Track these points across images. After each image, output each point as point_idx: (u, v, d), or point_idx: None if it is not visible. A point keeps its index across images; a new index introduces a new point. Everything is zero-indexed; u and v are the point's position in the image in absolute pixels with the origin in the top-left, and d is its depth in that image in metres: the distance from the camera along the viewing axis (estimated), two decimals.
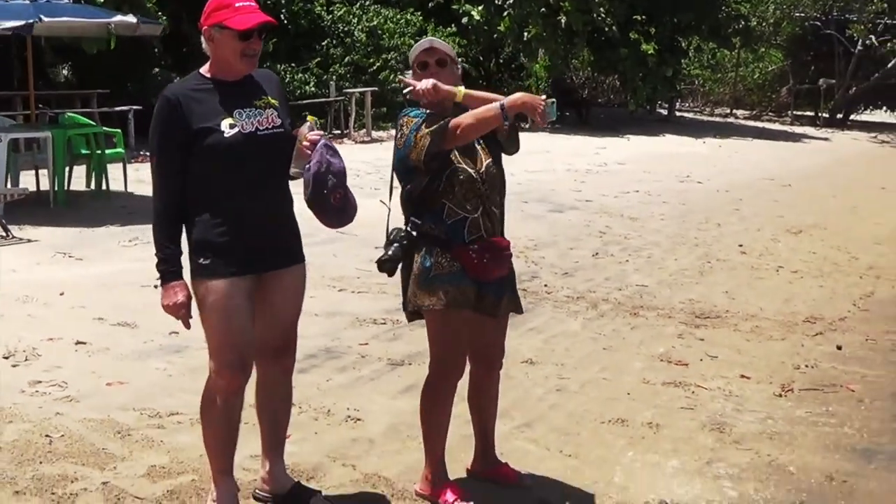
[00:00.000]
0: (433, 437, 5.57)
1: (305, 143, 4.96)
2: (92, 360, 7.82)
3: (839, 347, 9.08)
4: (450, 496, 5.47)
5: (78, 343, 8.20)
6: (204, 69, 5.07)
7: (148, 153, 5.91)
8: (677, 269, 12.46)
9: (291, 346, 5.36)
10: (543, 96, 5.14)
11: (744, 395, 7.66)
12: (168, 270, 4.91)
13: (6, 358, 7.76)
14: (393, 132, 5.80)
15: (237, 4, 4.95)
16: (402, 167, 5.31)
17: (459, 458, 5.95)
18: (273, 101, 5.10)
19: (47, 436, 6.20)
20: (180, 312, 4.95)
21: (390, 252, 5.31)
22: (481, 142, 5.43)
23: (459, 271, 5.27)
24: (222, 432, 5.17)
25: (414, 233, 5.30)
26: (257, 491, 5.49)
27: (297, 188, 5.05)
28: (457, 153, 5.28)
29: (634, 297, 10.74)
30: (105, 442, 6.17)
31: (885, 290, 11.77)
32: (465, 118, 5.12)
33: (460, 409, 5.81)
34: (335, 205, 5.06)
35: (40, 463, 5.82)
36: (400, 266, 5.38)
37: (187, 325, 5.03)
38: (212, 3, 4.99)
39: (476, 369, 5.70)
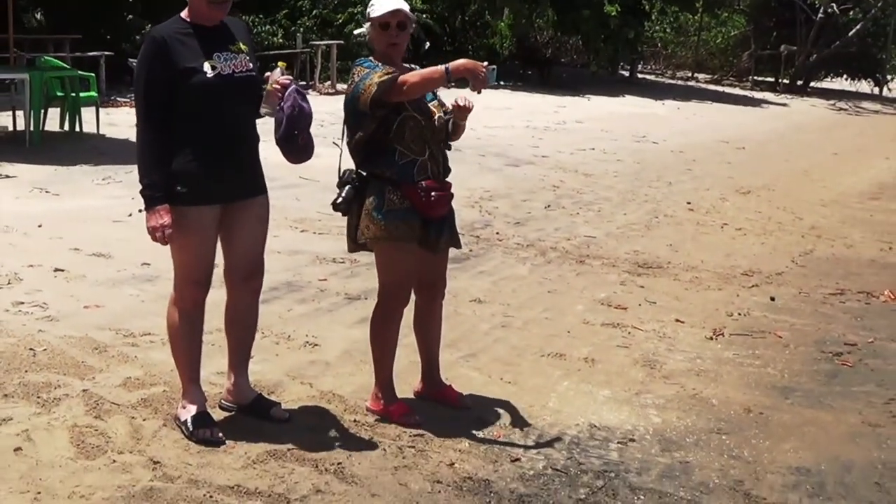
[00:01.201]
0: (382, 359, 6.10)
1: (276, 86, 5.48)
2: (70, 286, 8.30)
3: (772, 298, 9.63)
4: (396, 410, 6.03)
5: (56, 270, 8.66)
6: (184, 14, 5.53)
7: (131, 95, 6.35)
8: (625, 222, 13.00)
9: (259, 270, 5.87)
10: (485, 63, 5.67)
11: (676, 338, 8.21)
12: (154, 196, 5.34)
13: None
14: None
15: None
16: (350, 112, 5.79)
17: (407, 381, 6.49)
18: (244, 46, 5.58)
19: (31, 349, 6.70)
20: (165, 233, 5.34)
21: (343, 193, 5.84)
22: (437, 98, 5.98)
23: (409, 208, 5.80)
24: (188, 343, 5.72)
25: (364, 173, 5.83)
26: (223, 401, 6.01)
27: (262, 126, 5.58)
28: (408, 104, 5.79)
29: (582, 247, 11.27)
30: (84, 356, 6.67)
31: (824, 249, 12.33)
32: (412, 76, 5.65)
33: (410, 340, 6.35)
34: (301, 144, 5.59)
35: (26, 372, 6.32)
36: None
37: (166, 243, 5.44)
38: None
39: (420, 299, 6.22)
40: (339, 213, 5.94)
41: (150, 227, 5.37)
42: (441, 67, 5.64)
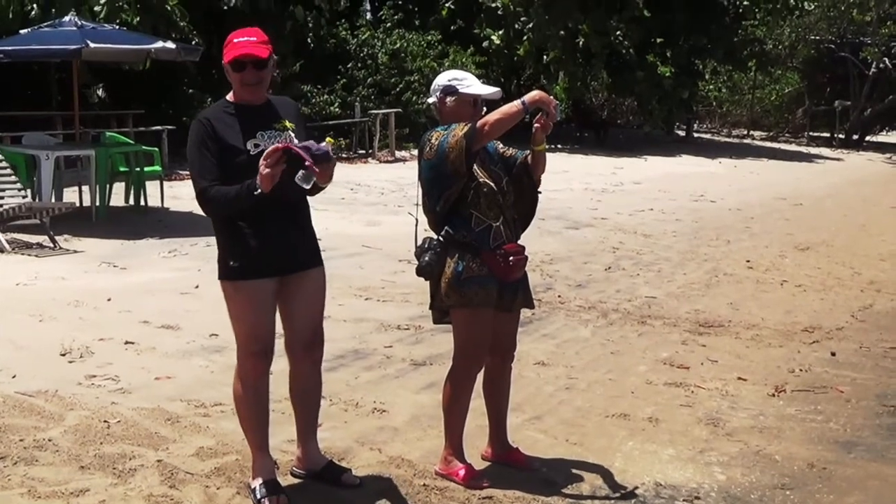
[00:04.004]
0: (454, 422, 6.21)
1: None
2: (140, 358, 8.49)
3: (833, 354, 9.65)
4: (465, 473, 6.12)
5: (127, 343, 8.87)
6: (229, 96, 5.74)
7: (185, 170, 6.49)
8: (685, 282, 13.06)
9: (319, 340, 5.98)
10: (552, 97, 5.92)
11: (739, 395, 8.25)
12: (249, 183, 5.33)
13: (63, 355, 8.43)
14: (416, 152, 6.47)
15: (235, 40, 5.60)
16: (435, 175, 5.95)
17: (475, 444, 6.55)
18: (290, 124, 5.69)
19: (105, 421, 6.86)
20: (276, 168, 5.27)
21: (426, 258, 6.00)
22: (499, 165, 6.15)
23: (487, 274, 5.97)
24: (254, 413, 5.84)
25: (443, 240, 6.00)
26: (294, 469, 6.12)
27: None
28: (480, 170, 5.99)
29: (643, 308, 11.34)
30: (157, 427, 6.82)
31: (884, 303, 12.33)
32: (491, 116, 5.84)
33: (476, 403, 6.43)
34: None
35: (101, 444, 6.48)
36: None
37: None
38: (226, 39, 5.69)
39: (491, 362, 6.32)
40: (423, 279, 6.10)
41: (265, 175, 5.27)
42: (517, 101, 5.83)
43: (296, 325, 5.87)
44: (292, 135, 5.60)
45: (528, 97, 5.86)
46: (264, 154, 5.26)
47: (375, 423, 7.16)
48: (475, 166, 5.96)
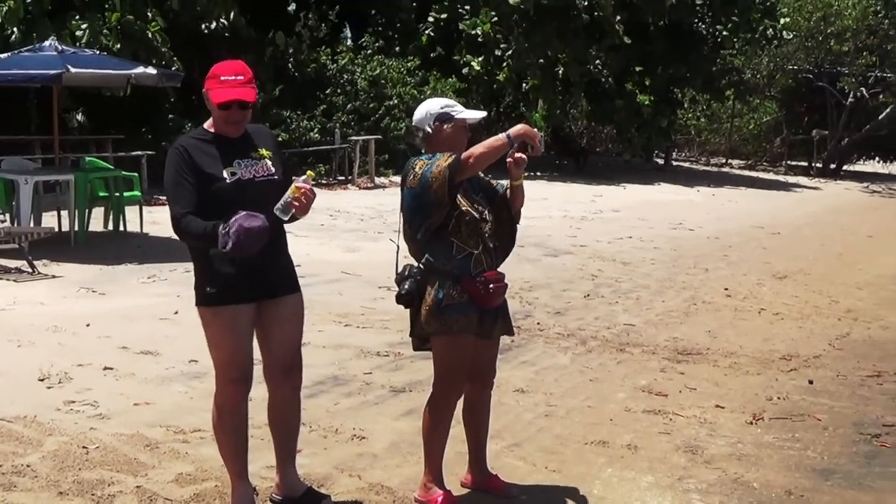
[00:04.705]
0: (433, 449, 6.22)
1: (295, 193, 5.55)
2: (119, 384, 8.48)
3: (811, 382, 9.69)
4: (444, 500, 6.12)
5: (106, 368, 8.86)
6: (207, 124, 5.79)
7: (162, 196, 6.52)
8: (664, 310, 13.10)
9: (297, 367, 6.00)
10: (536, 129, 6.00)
11: (717, 423, 8.28)
12: (215, 225, 5.36)
13: (41, 380, 8.41)
14: (395, 178, 6.51)
15: (223, 77, 5.64)
16: (418, 204, 5.96)
17: (454, 471, 6.57)
18: (266, 152, 5.78)
19: (84, 447, 6.85)
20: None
21: (406, 286, 6.02)
22: (481, 195, 6.19)
23: (468, 301, 5.99)
24: (233, 439, 5.86)
25: (424, 267, 6.03)
26: (273, 495, 6.12)
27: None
28: (463, 199, 6.04)
29: (622, 335, 11.37)
30: (136, 453, 6.81)
31: (861, 331, 12.38)
32: (476, 148, 5.90)
33: (456, 430, 6.44)
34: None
35: (79, 469, 6.47)
36: None
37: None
38: (211, 69, 5.73)
39: (470, 388, 6.33)
40: (402, 306, 6.11)
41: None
42: (502, 135, 5.91)
43: (274, 351, 5.89)
44: (269, 163, 5.65)
45: (513, 131, 5.92)
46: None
47: (355, 450, 7.16)
48: (458, 195, 6.00)
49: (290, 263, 5.95)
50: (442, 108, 6.16)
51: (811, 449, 7.77)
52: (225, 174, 5.54)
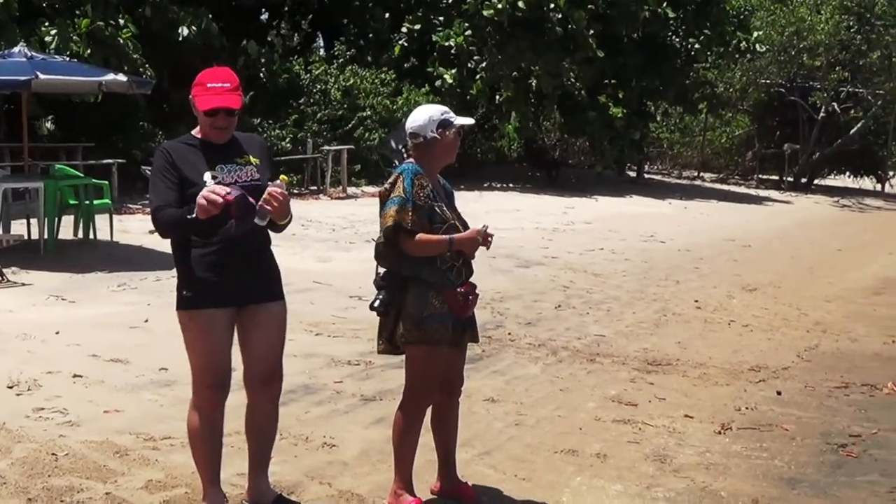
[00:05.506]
0: (404, 457, 6.24)
1: (267, 197, 5.56)
2: (89, 391, 8.46)
3: (779, 393, 9.74)
4: None
5: (75, 376, 8.83)
6: (196, 131, 5.82)
7: (144, 202, 6.52)
8: (634, 321, 13.14)
9: (277, 375, 6.03)
10: (484, 225, 6.11)
11: (686, 432, 8.32)
12: (188, 208, 5.37)
13: (10, 388, 8.40)
14: (368, 188, 6.53)
15: (209, 85, 5.67)
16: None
17: (424, 479, 6.57)
18: (254, 159, 5.81)
19: (53, 454, 6.84)
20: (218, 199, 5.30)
21: (382, 296, 6.05)
22: (455, 210, 6.22)
23: (447, 311, 6.03)
24: (207, 445, 5.87)
25: (403, 276, 6.04)
26: (243, 502, 6.13)
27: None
28: (450, 212, 6.13)
29: (592, 346, 11.40)
30: (105, 460, 6.81)
31: (829, 343, 12.44)
32: (420, 239, 5.93)
33: (426, 439, 6.45)
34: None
35: (49, 476, 6.46)
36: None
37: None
38: (197, 77, 5.75)
39: (440, 396, 6.34)
40: (376, 314, 6.13)
41: (205, 203, 5.29)
42: (446, 239, 5.97)
43: (253, 359, 5.91)
44: (254, 169, 5.66)
45: (457, 239, 6.00)
46: (211, 189, 5.31)
47: (325, 458, 7.18)
48: (444, 208, 6.10)
49: (272, 270, 5.96)
50: (442, 114, 6.17)
51: (778, 458, 7.82)
52: (206, 178, 5.54)
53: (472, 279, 6.26)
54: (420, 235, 5.92)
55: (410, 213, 5.90)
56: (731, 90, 43.79)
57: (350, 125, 31.14)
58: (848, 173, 50.04)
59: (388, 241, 5.94)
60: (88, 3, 23.07)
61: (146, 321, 10.77)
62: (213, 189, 5.31)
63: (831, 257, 22.14)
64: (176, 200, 5.51)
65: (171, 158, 5.59)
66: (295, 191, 26.12)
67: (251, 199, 5.39)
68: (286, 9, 35.75)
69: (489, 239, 6.05)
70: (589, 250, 19.95)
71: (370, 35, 36.53)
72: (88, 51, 22.10)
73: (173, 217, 5.46)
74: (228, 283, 5.65)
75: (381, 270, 6.14)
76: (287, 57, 32.57)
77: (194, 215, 5.28)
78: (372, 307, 6.08)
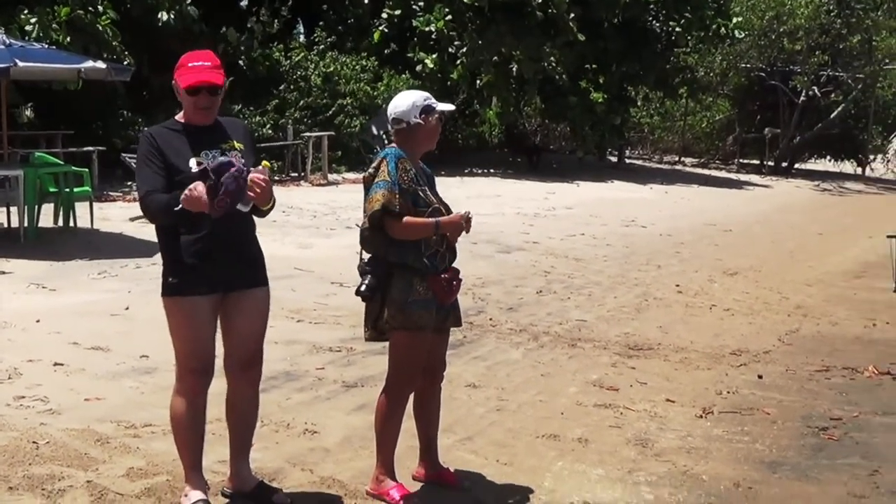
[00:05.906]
0: (386, 442, 6.25)
1: (250, 183, 5.54)
2: (70, 379, 8.43)
3: (760, 376, 9.79)
4: (396, 493, 6.15)
5: (56, 364, 8.80)
6: (179, 116, 5.82)
7: (124, 189, 6.52)
8: (616, 305, 13.17)
9: (257, 361, 6.03)
10: (467, 211, 6.15)
11: (667, 417, 8.35)
12: (175, 195, 5.36)
13: None
14: (348, 175, 6.53)
15: (190, 64, 5.69)
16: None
17: (406, 465, 6.59)
18: (238, 144, 5.80)
19: (34, 442, 6.82)
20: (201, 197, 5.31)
21: (367, 282, 6.05)
22: (437, 195, 6.23)
23: (431, 297, 6.06)
24: (190, 431, 5.86)
25: (389, 262, 6.05)
26: (224, 489, 6.13)
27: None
28: (434, 197, 6.15)
29: (573, 331, 11.42)
30: (87, 448, 6.79)
31: (810, 327, 12.50)
32: (406, 222, 5.95)
33: (408, 425, 6.46)
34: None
35: (29, 465, 6.44)
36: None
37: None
38: (179, 60, 5.75)
39: (423, 381, 6.35)
40: (361, 300, 6.14)
41: (188, 198, 5.31)
42: (432, 222, 6.00)
43: (234, 344, 5.91)
44: (239, 155, 5.64)
45: (443, 221, 6.04)
46: (195, 183, 5.30)
47: (307, 444, 7.18)
48: (427, 192, 6.12)
49: (257, 256, 5.97)
50: (425, 100, 6.18)
51: (759, 442, 7.85)
52: (191, 164, 5.53)
53: (453, 265, 6.27)
54: (406, 218, 5.94)
55: (397, 196, 5.91)
56: (711, 75, 43.84)
57: (331, 112, 31.06)
58: (828, 157, 50.19)
59: (373, 225, 5.95)
60: None
61: (127, 309, 10.75)
62: (199, 191, 5.29)
63: (812, 241, 22.23)
64: (163, 185, 5.50)
65: (156, 143, 5.59)
66: (276, 177, 26.04)
67: (238, 168, 5.37)
68: None
69: (468, 223, 6.10)
70: (570, 235, 19.99)
71: (350, 21, 36.45)
72: (68, 38, 21.99)
73: (161, 203, 5.44)
74: (214, 270, 5.66)
75: (366, 256, 6.14)
76: (267, 43, 32.46)
77: (180, 207, 5.28)
78: (358, 292, 6.08)
